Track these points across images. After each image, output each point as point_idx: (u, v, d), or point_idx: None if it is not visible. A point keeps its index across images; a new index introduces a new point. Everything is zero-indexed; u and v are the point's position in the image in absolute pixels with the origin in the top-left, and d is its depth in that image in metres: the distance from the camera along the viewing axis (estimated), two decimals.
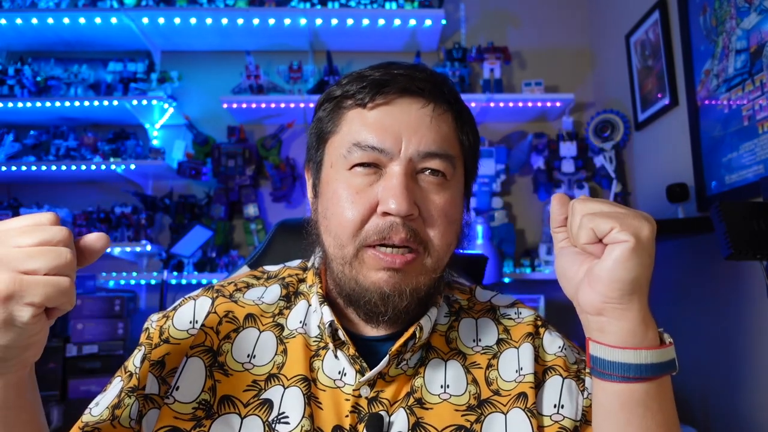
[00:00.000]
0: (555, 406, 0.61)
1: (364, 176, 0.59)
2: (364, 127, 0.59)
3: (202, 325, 0.63)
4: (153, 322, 0.66)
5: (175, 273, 2.38)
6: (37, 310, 0.41)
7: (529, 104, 2.49)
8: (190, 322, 0.63)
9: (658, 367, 0.49)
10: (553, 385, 0.62)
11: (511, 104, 2.49)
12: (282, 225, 1.01)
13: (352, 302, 0.62)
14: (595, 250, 0.50)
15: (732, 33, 1.61)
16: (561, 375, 0.63)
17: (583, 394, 0.63)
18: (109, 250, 2.40)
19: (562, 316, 1.71)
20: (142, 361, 0.62)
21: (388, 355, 0.60)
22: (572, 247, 0.53)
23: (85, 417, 0.60)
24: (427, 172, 0.60)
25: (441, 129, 0.61)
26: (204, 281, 2.38)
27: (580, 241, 0.50)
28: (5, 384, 0.46)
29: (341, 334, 0.61)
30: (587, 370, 0.63)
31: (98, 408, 0.60)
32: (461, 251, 0.68)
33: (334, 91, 0.63)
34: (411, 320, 0.63)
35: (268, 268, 0.75)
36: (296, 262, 0.76)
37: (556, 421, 0.60)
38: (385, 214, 0.57)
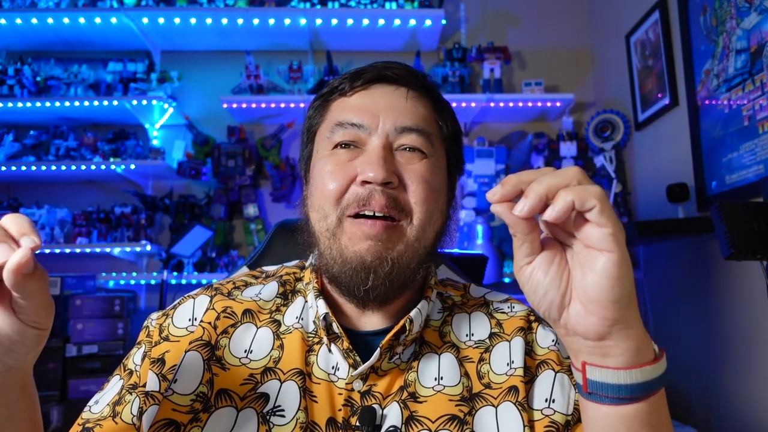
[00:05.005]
0: (546, 400, 0.61)
1: (346, 153, 0.63)
2: (345, 109, 0.65)
3: (201, 321, 0.64)
4: (153, 320, 0.66)
5: (175, 273, 2.38)
6: None
7: (529, 104, 2.50)
8: (189, 320, 0.64)
9: (661, 380, 0.46)
10: (545, 379, 0.62)
11: (511, 104, 2.49)
12: (282, 225, 1.01)
13: (336, 279, 0.62)
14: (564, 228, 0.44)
15: (732, 33, 1.61)
16: (553, 369, 0.63)
17: (575, 389, 0.62)
18: (109, 250, 2.40)
19: None
20: (143, 359, 0.62)
21: (379, 349, 0.60)
22: (540, 258, 0.45)
23: (85, 414, 0.61)
24: (405, 148, 0.63)
25: (417, 109, 0.65)
26: (204, 281, 2.38)
27: (555, 210, 0.41)
28: None
29: (335, 327, 0.61)
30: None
31: (98, 406, 0.61)
32: (461, 252, 0.67)
33: (322, 90, 0.69)
34: (403, 314, 0.63)
35: (266, 268, 0.77)
36: (294, 262, 0.77)
37: (547, 415, 0.60)
38: (365, 182, 0.60)
